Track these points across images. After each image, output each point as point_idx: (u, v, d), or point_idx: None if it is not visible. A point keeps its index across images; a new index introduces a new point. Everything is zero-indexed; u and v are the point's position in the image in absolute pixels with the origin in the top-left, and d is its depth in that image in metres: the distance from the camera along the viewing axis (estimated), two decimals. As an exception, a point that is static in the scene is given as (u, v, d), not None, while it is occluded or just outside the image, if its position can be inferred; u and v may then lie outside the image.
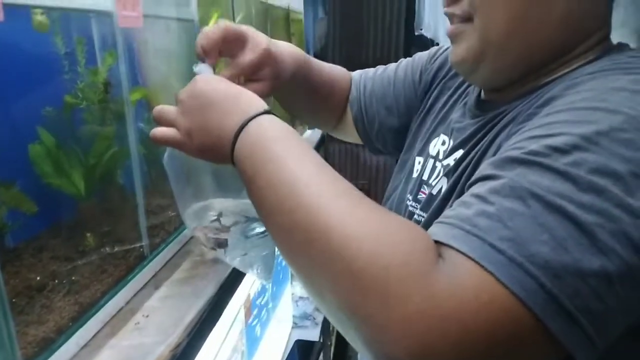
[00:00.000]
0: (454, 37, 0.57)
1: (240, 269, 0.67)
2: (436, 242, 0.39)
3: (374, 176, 3.08)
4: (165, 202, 1.03)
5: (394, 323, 0.35)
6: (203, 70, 0.60)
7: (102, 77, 0.92)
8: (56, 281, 0.70)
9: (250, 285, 1.21)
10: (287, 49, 0.71)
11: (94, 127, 0.93)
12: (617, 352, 0.41)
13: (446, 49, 0.79)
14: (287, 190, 0.43)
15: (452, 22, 0.57)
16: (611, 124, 0.39)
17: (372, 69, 0.87)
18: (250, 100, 0.53)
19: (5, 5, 0.54)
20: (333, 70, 0.84)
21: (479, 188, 0.41)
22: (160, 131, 0.57)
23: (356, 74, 0.87)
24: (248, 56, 0.63)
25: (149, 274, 0.85)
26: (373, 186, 2.90)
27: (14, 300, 0.64)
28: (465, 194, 0.42)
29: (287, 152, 0.46)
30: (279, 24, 1.80)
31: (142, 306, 0.77)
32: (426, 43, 2.60)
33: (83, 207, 0.91)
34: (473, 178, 0.44)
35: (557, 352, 0.36)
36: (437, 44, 2.30)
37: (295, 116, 1.07)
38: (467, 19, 0.54)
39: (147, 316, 0.74)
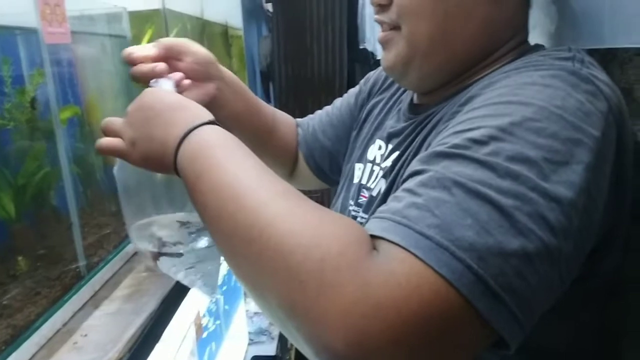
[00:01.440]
0: (384, 44, 0.61)
1: (185, 283, 0.67)
2: (371, 236, 0.40)
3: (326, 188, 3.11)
4: (104, 220, 1.00)
5: (330, 314, 0.36)
6: (163, 85, 0.61)
7: (29, 96, 0.90)
8: (-16, 306, 0.67)
9: (200, 302, 1.19)
10: (232, 74, 0.73)
11: (22, 147, 0.90)
12: (543, 332, 0.43)
13: (377, 71, 0.83)
14: (228, 193, 0.44)
15: (382, 30, 0.60)
16: (524, 114, 0.42)
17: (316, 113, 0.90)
18: (196, 111, 0.54)
19: None
20: (277, 111, 0.87)
21: (409, 183, 0.43)
22: (105, 141, 0.57)
23: (301, 119, 0.91)
24: (190, 59, 0.64)
25: (87, 294, 0.83)
26: (326, 197, 2.92)
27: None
28: (398, 189, 0.44)
29: (229, 157, 0.47)
30: (216, 41, 1.80)
31: (81, 326, 0.74)
32: (367, 57, 2.68)
33: (14, 230, 0.87)
34: (405, 175, 0.46)
35: (488, 334, 0.38)
36: (376, 57, 2.37)
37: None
38: (395, 27, 0.57)
39: (86, 335, 0.72)
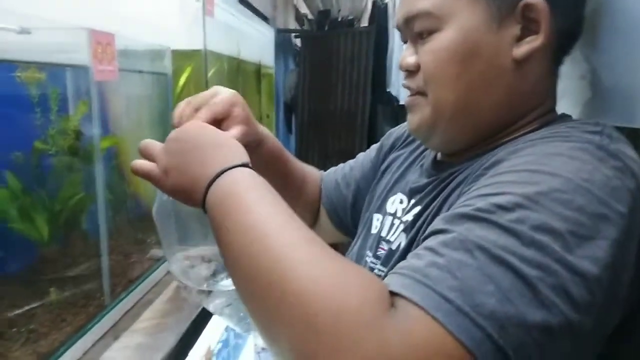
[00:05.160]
0: (410, 107, 0.62)
1: (222, 318, 0.68)
2: (390, 292, 0.41)
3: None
4: (129, 248, 1.03)
5: None
6: None
7: (73, 125, 0.94)
8: (14, 329, 0.69)
9: (210, 336, 1.20)
10: (272, 136, 0.75)
11: (62, 172, 0.94)
12: None
13: (400, 127, 0.85)
14: (254, 235, 0.45)
15: (409, 94, 0.63)
16: (551, 185, 0.42)
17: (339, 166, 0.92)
18: (232, 151, 0.55)
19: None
20: (305, 168, 0.88)
21: (431, 241, 0.43)
22: (140, 163, 0.58)
23: (325, 172, 0.92)
24: (220, 100, 0.65)
25: (108, 324, 0.84)
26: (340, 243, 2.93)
27: (-32, 348, 0.63)
28: (419, 247, 0.45)
29: (258, 200, 0.49)
30: (250, 78, 1.86)
31: (100, 357, 0.76)
32: (391, 100, 2.72)
33: (45, 253, 0.90)
34: (426, 232, 0.46)
35: None
36: (399, 102, 2.41)
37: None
38: (421, 93, 0.59)
39: (105, 367, 0.73)
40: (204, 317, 0.96)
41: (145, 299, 0.97)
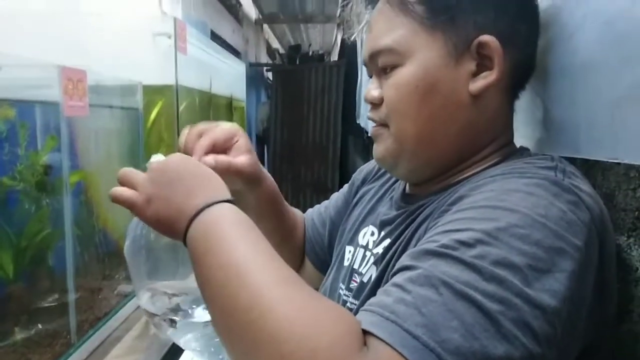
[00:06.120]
0: (375, 138, 0.64)
1: (190, 352, 0.67)
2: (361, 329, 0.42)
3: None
4: (96, 284, 1.01)
5: None
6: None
7: (41, 160, 0.94)
8: (-26, 371, 0.67)
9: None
10: (270, 178, 0.77)
11: (28, 208, 0.93)
12: None
13: (370, 163, 0.87)
14: (234, 272, 0.46)
15: (373, 125, 0.65)
16: (509, 220, 0.43)
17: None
18: (218, 186, 0.56)
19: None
20: (297, 215, 0.89)
21: (398, 278, 0.45)
22: (121, 190, 0.57)
23: (305, 213, 0.93)
24: (220, 129, 0.67)
25: (74, 363, 0.82)
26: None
27: None
28: (387, 283, 0.46)
29: (241, 237, 0.49)
30: (221, 111, 1.89)
31: (66, 397, 0.74)
32: (361, 132, 2.78)
33: (10, 291, 0.88)
34: (395, 268, 0.48)
35: None
36: (368, 134, 2.46)
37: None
38: (384, 124, 0.61)
39: (70, 408, 0.71)
40: (173, 353, 0.94)
41: (114, 335, 0.95)
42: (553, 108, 0.64)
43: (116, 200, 0.57)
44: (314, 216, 0.88)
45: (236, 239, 0.49)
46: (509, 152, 0.60)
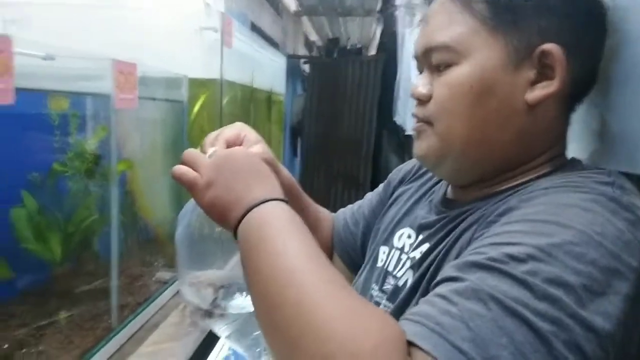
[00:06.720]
0: (416, 134, 0.62)
1: (232, 344, 0.68)
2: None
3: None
4: (137, 271, 1.05)
5: None
6: None
7: (91, 149, 0.97)
8: (24, 350, 0.71)
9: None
10: (287, 172, 0.77)
11: (77, 194, 0.96)
12: None
13: (409, 163, 0.86)
14: (286, 265, 0.46)
15: (416, 121, 0.62)
16: (564, 237, 0.41)
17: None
18: (276, 185, 0.58)
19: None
20: (319, 210, 0.89)
21: (443, 288, 0.43)
22: (184, 169, 0.59)
23: (335, 213, 0.92)
24: (228, 128, 0.69)
25: (114, 347, 0.85)
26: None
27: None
28: (430, 293, 0.45)
29: (294, 234, 0.50)
30: (261, 105, 1.90)
31: (106, 380, 0.77)
32: (397, 129, 2.75)
33: (56, 273, 0.92)
34: (437, 279, 0.47)
35: None
36: (405, 131, 2.44)
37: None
38: (427, 121, 0.59)
39: (111, 391, 0.74)
40: (210, 342, 0.96)
41: (152, 321, 0.98)
42: (611, 118, 0.61)
43: (178, 178, 0.58)
44: (346, 216, 0.88)
45: (290, 235, 0.50)
46: (561, 163, 0.58)
